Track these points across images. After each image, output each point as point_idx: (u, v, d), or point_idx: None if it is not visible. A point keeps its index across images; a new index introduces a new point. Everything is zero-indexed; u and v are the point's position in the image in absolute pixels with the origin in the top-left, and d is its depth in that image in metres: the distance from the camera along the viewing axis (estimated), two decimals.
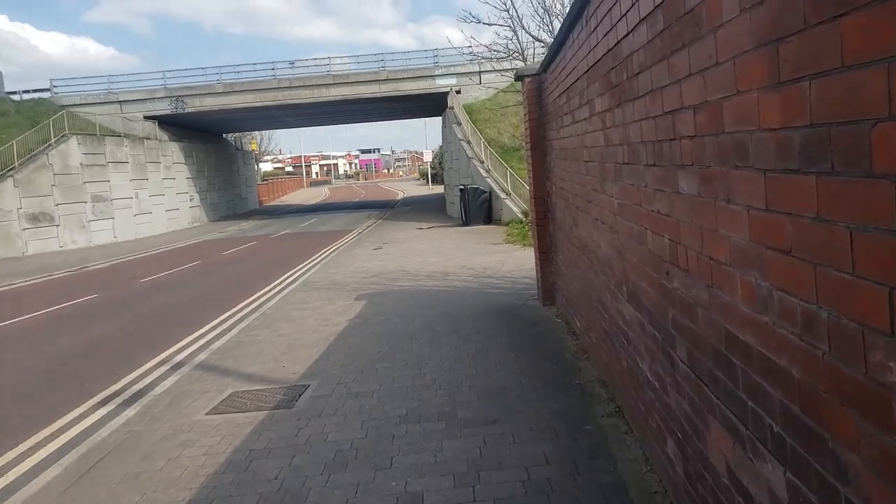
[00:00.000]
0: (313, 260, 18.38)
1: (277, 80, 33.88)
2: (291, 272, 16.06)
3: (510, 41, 11.33)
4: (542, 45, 9.48)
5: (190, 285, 15.14)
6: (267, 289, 13.71)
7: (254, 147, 77.53)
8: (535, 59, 10.37)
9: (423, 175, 68.94)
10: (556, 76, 6.64)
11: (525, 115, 8.84)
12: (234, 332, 9.50)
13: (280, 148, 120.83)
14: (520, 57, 10.06)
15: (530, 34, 9.78)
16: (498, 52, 10.11)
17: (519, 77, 8.65)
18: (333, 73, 34.01)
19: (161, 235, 31.23)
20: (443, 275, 13.00)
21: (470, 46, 34.43)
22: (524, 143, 9.06)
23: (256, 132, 70.32)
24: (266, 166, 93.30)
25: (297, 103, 34.26)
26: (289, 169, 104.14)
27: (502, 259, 14.53)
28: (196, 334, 9.70)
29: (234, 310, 11.45)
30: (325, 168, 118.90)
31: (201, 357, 8.19)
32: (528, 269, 12.40)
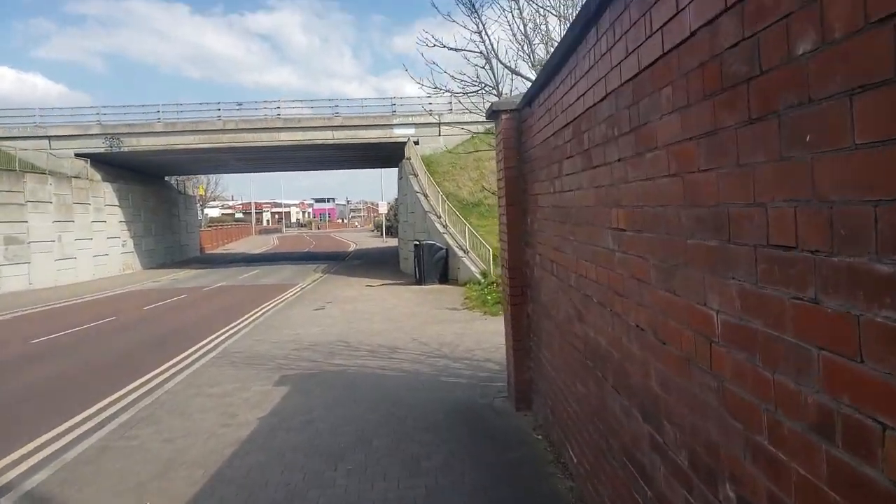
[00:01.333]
0: (243, 321, 15.97)
1: (223, 121, 31.71)
2: (213, 336, 13.65)
3: (482, 69, 9.45)
4: (522, 78, 7.61)
5: (87, 350, 12.56)
6: (176, 360, 11.29)
7: (201, 192, 74.66)
8: (514, 94, 8.61)
9: (378, 227, 66.98)
10: (552, 105, 4.73)
11: (500, 161, 6.92)
12: (106, 429, 7.10)
13: (232, 194, 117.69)
14: (494, 91, 8.29)
15: (505, 65, 7.96)
16: (467, 83, 8.26)
17: (493, 112, 6.75)
18: (284, 116, 32.05)
19: (86, 283, 28.21)
20: (390, 350, 10.82)
21: (428, 94, 33.19)
22: (498, 197, 7.13)
23: (203, 175, 67.58)
24: (213, 212, 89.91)
25: (243, 146, 32.08)
26: (239, 215, 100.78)
27: (461, 331, 12.45)
28: (56, 431, 7.26)
29: (122, 391, 9.02)
30: (276, 216, 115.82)
31: (39, 477, 5.78)
32: (491, 348, 10.33)
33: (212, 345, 12.80)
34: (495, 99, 7.61)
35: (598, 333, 3.81)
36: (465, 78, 8.78)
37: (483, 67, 8.54)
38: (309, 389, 8.36)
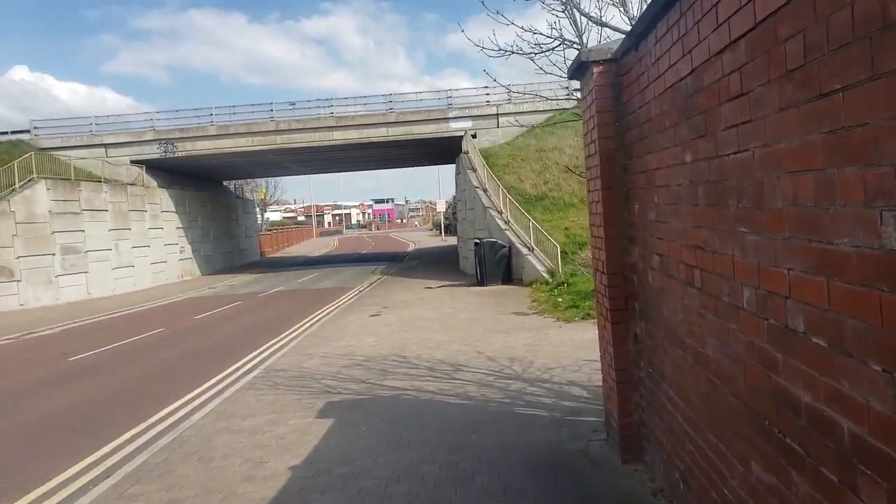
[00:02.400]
0: (294, 331, 14.69)
1: (276, 122, 30.80)
2: (259, 350, 12.37)
3: (558, 26, 7.72)
4: (611, 30, 5.74)
5: (123, 370, 11.44)
6: (213, 381, 10.00)
7: (262, 196, 75.10)
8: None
9: (437, 226, 65.61)
10: (694, 23, 3.02)
11: (590, 132, 5.22)
12: (104, 484, 5.73)
13: (294, 198, 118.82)
14: (576, 44, 6.51)
15: (588, 16, 6.20)
16: (541, 41, 6.50)
17: (581, 66, 5.05)
18: (337, 114, 30.91)
19: (143, 291, 27.75)
20: (451, 368, 9.21)
21: (487, 88, 31.48)
22: (587, 180, 5.43)
23: (262, 179, 67.72)
24: (274, 215, 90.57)
25: (297, 147, 31.11)
26: (300, 218, 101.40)
27: (533, 343, 10.73)
28: (45, 488, 5.96)
29: (143, 426, 7.72)
30: (337, 218, 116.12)
31: None
32: (572, 366, 8.60)
33: (256, 360, 11.51)
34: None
35: (823, 400, 2.09)
36: (539, 34, 7.04)
37: (561, 14, 6.79)
38: (355, 423, 6.84)
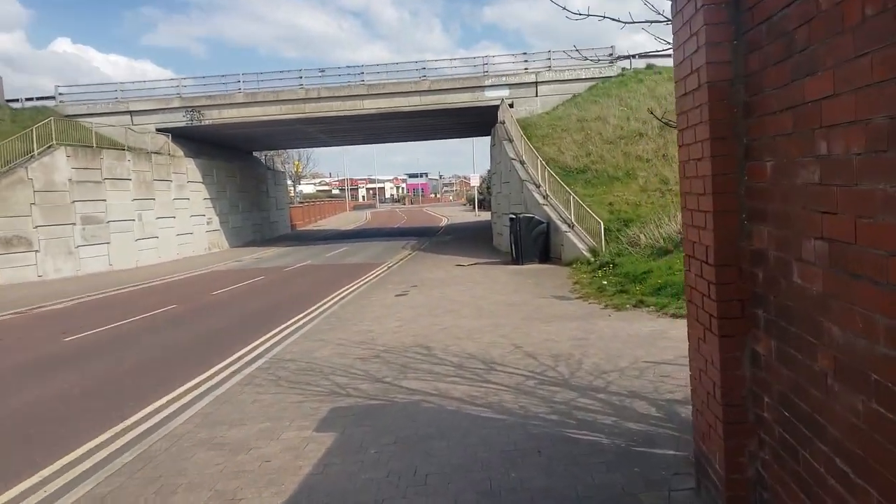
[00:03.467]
0: (313, 311, 13.38)
1: (305, 90, 29.35)
2: (270, 335, 11.06)
3: None
4: None
5: (114, 356, 10.20)
6: (209, 372, 8.70)
7: (297, 168, 74.22)
8: None
9: (470, 200, 63.89)
10: None
11: (690, 56, 3.58)
12: None
13: (330, 171, 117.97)
14: None
15: None
16: None
17: None
18: (368, 82, 29.33)
19: (168, 263, 26.81)
20: (483, 366, 7.72)
21: (525, 55, 29.55)
22: (678, 131, 3.83)
23: (295, 151, 66.66)
24: (308, 188, 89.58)
25: (326, 116, 29.66)
26: (335, 192, 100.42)
27: (580, 336, 9.14)
28: None
29: (108, 434, 6.40)
30: (371, 192, 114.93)
31: None
32: (632, 370, 7.04)
33: (265, 346, 10.19)
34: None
35: None
36: None
37: None
38: (362, 444, 5.40)
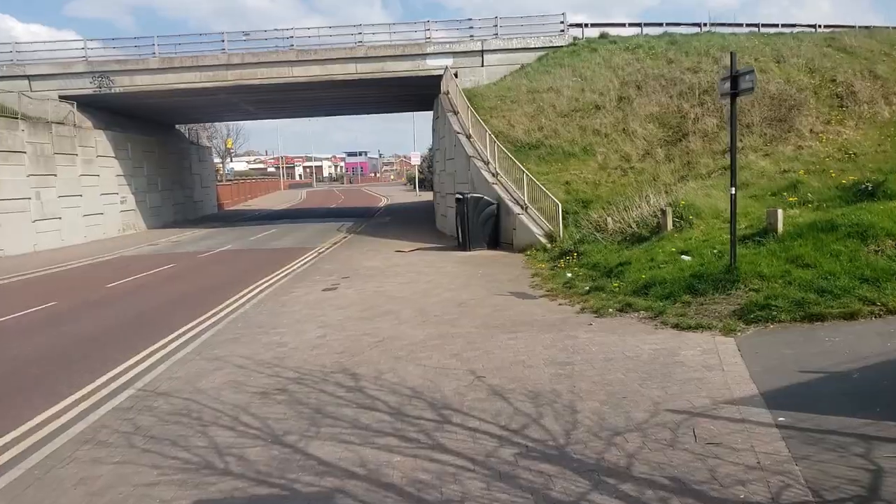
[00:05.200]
0: (217, 312, 10.60)
1: (227, 54, 25.88)
2: (149, 351, 8.26)
3: None
4: None
5: None
6: (34, 422, 5.90)
7: (229, 145, 69.55)
8: None
9: (411, 180, 60.97)
10: None
11: None
12: None
13: (265, 149, 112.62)
14: None
15: None
16: None
17: None
18: (298, 47, 26.12)
19: (72, 248, 23.15)
20: (433, 413, 5.19)
21: (471, 21, 26.97)
22: None
23: (226, 126, 62.21)
24: (240, 165, 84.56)
25: (251, 84, 26.28)
26: (270, 170, 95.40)
27: (559, 354, 6.71)
28: None
29: None
30: (308, 170, 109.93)
31: None
32: (655, 423, 4.63)
33: (139, 368, 7.44)
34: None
35: None
36: None
37: None
38: None
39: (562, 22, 26.41)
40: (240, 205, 49.25)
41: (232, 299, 11.72)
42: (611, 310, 8.46)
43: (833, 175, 13.44)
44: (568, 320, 8.27)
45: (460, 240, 17.00)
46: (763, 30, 26.55)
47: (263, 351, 7.70)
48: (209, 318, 10.20)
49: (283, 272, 14.84)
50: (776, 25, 28.42)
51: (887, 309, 6.82)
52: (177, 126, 38.36)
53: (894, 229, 9.24)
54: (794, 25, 29.69)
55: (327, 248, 19.14)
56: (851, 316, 6.84)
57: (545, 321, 8.32)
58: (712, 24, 29.09)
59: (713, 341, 6.75)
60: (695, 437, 4.34)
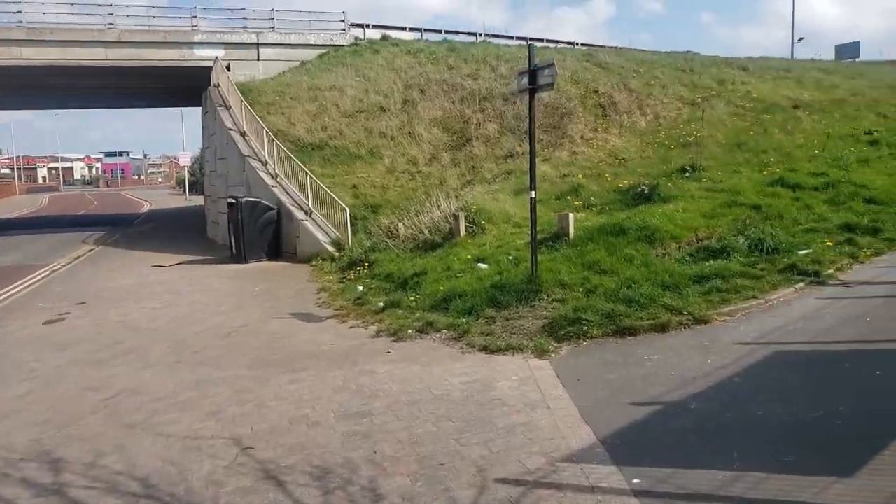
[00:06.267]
0: None
1: None
2: None
3: None
4: None
5: None
6: None
7: None
8: None
9: (181, 183, 55.12)
10: None
11: None
12: None
13: (2, 147, 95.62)
14: None
15: None
16: None
17: None
18: (29, 24, 21.49)
19: None
20: None
21: (244, 11, 24.50)
22: None
23: None
24: None
25: None
26: (4, 171, 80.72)
27: (352, 400, 5.19)
28: None
29: None
30: (54, 172, 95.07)
31: None
32: (474, 497, 3.36)
33: None
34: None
35: None
36: None
37: None
38: None
39: (342, 21, 25.05)
40: None
41: None
42: (410, 331, 7.18)
43: (609, 179, 13.72)
44: (362, 348, 6.83)
45: (234, 250, 14.76)
46: (531, 43, 27.65)
47: None
48: None
49: None
50: (542, 40, 29.96)
51: (694, 318, 6.42)
52: None
53: (676, 232, 9.28)
54: (556, 41, 31.65)
55: (65, 265, 15.56)
56: (662, 328, 6.31)
57: (335, 351, 6.79)
58: (487, 35, 29.90)
59: (528, 367, 5.77)
60: None
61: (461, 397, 5.12)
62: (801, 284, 6.96)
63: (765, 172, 12.21)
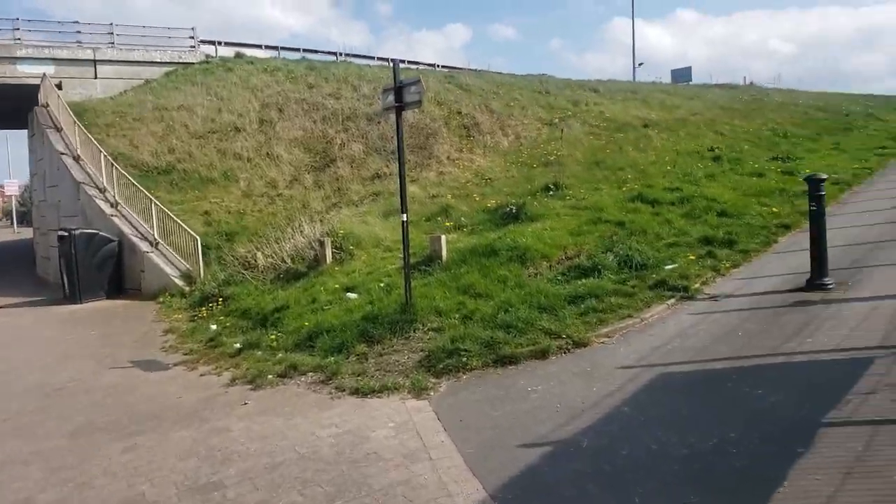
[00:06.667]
0: None
1: None
2: None
3: None
4: None
5: None
6: None
7: None
8: None
9: (8, 214, 49.09)
10: None
11: None
12: None
13: None
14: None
15: None
16: None
17: None
18: None
19: None
20: None
21: (78, 24, 22.18)
22: None
23: None
24: None
25: None
26: None
27: (200, 467, 4.31)
28: None
29: None
30: None
31: None
32: None
33: None
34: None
35: None
36: None
37: None
38: None
39: (192, 37, 23.46)
40: None
41: None
42: (270, 376, 6.36)
43: (477, 199, 13.57)
44: (214, 401, 5.91)
45: (67, 289, 12.97)
46: (395, 60, 27.47)
47: None
48: None
49: None
50: (403, 61, 29.89)
51: (573, 341, 6.16)
52: None
53: (546, 250, 9.15)
54: (418, 63, 31.76)
55: None
56: (543, 354, 5.99)
57: (182, 407, 5.82)
58: (347, 55, 29.37)
59: (406, 409, 5.20)
60: None
61: (331, 455, 4.44)
62: (673, 300, 6.96)
63: (624, 189, 12.56)
